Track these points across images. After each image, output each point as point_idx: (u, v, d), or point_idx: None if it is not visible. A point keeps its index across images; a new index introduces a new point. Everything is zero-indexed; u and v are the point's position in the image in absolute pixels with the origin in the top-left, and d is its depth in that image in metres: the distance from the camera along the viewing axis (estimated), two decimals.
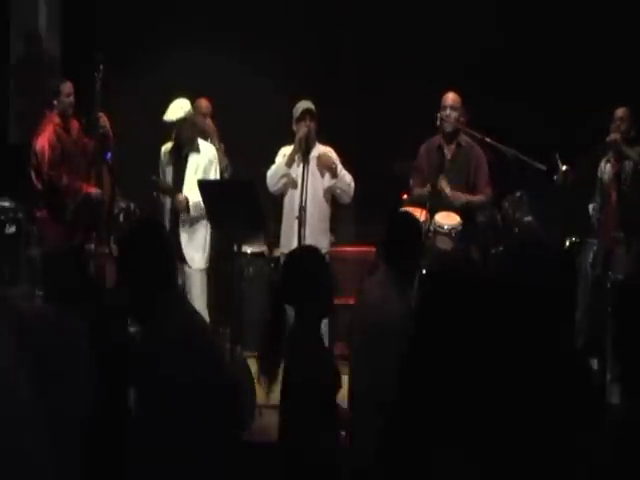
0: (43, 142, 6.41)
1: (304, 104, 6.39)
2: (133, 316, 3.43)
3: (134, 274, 3.22)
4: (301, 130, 6.32)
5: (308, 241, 6.13)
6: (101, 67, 6.56)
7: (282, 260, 6.51)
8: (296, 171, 6.36)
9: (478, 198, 6.56)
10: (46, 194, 6.50)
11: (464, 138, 6.64)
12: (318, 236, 6.36)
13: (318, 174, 6.38)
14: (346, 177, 6.42)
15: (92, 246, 6.48)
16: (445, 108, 6.57)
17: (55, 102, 6.48)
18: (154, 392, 3.09)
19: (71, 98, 6.50)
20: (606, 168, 6.77)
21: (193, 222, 6.44)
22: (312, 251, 4.04)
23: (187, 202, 6.37)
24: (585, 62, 7.98)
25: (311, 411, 3.56)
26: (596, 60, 7.92)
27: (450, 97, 6.60)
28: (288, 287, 3.76)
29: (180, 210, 6.40)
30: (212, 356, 3.31)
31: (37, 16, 8.83)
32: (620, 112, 6.68)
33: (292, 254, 4.09)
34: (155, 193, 6.55)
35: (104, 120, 6.61)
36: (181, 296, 3.45)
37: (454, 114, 6.55)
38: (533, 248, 2.93)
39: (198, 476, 3.12)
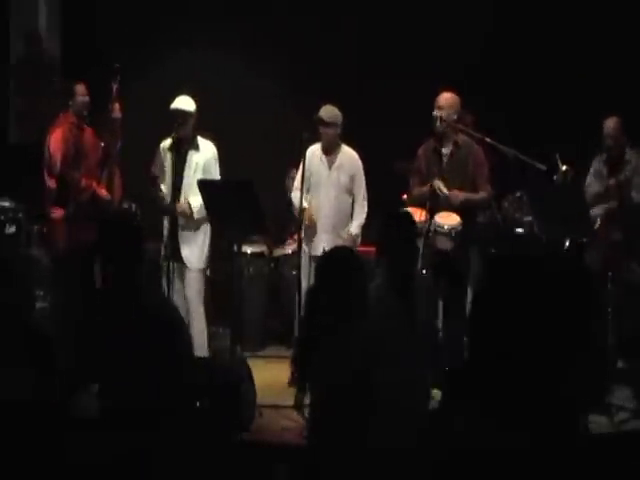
0: (56, 140, 6.42)
1: (321, 111, 6.57)
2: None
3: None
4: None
5: (327, 245, 6.15)
6: (118, 77, 6.55)
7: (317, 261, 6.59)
8: (319, 175, 6.53)
9: (479, 196, 6.50)
10: (60, 193, 6.47)
11: (461, 137, 6.56)
12: (338, 239, 6.49)
13: (340, 179, 6.62)
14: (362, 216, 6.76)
15: None
16: (435, 108, 6.56)
17: (70, 102, 6.49)
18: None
19: (86, 97, 6.51)
20: (603, 170, 6.78)
21: (199, 224, 6.41)
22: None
23: (190, 207, 6.33)
24: (585, 62, 7.98)
25: None
26: (597, 61, 7.93)
27: (440, 97, 6.55)
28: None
29: (185, 217, 6.38)
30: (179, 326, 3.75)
31: (37, 16, 8.84)
32: (612, 124, 6.66)
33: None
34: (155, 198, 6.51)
35: (117, 112, 6.59)
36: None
37: (443, 114, 6.49)
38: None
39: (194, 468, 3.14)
